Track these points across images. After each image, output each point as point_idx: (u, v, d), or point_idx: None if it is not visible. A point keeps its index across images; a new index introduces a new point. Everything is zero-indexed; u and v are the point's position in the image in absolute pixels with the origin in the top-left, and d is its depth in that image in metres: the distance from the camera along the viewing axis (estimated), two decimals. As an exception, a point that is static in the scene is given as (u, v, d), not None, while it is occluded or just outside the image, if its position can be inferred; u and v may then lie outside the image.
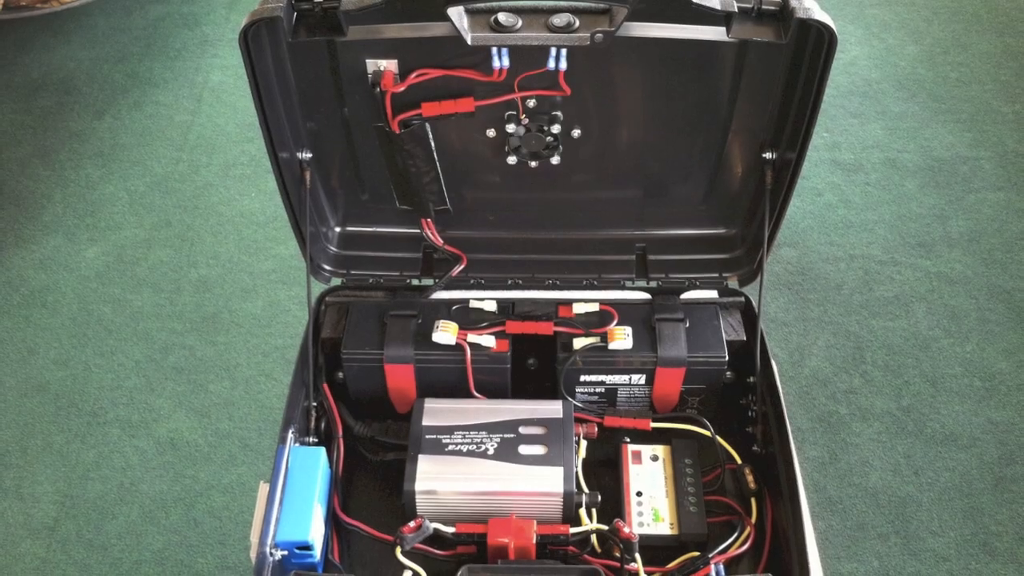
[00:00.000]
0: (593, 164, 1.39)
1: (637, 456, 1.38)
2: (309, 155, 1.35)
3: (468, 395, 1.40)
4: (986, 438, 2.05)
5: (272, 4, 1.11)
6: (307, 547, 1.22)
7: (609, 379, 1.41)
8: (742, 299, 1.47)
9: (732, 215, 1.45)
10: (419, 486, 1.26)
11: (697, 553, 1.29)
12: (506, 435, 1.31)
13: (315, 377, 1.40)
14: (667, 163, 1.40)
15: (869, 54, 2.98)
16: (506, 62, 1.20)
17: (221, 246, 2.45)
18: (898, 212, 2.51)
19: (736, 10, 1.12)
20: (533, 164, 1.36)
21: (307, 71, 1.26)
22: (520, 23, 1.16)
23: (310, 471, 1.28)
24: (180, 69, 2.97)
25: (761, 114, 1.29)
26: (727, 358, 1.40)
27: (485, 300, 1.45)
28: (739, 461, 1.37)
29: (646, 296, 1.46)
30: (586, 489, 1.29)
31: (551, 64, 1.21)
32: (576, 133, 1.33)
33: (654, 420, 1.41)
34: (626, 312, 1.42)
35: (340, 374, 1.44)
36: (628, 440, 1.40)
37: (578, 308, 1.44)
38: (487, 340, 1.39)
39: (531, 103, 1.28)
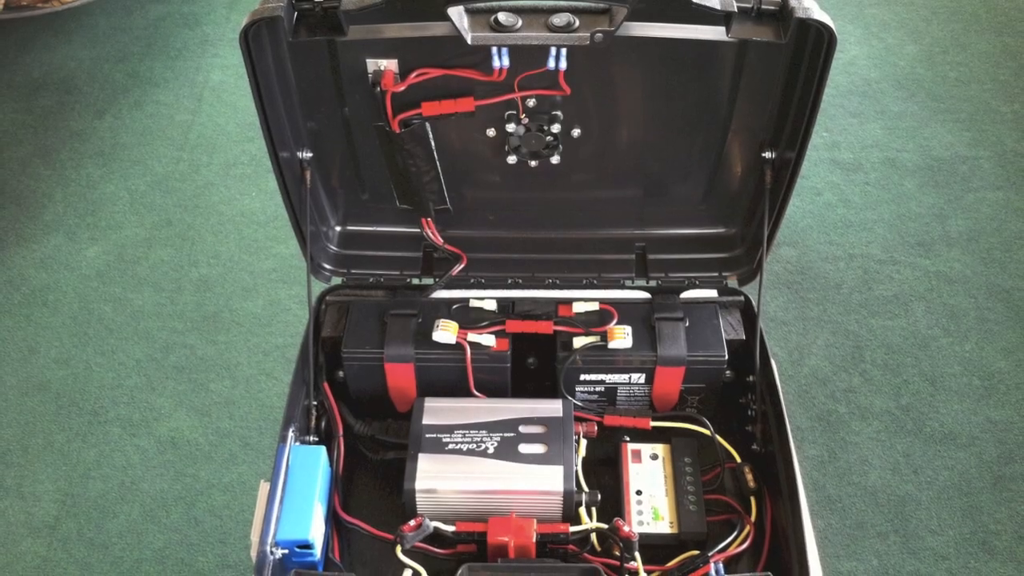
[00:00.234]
0: (593, 163, 1.39)
1: (637, 455, 1.38)
2: (309, 154, 1.35)
3: (468, 394, 1.40)
4: (985, 437, 2.05)
5: (272, 4, 1.11)
6: (307, 546, 1.22)
7: (609, 378, 1.41)
8: (741, 298, 1.47)
9: (732, 214, 1.45)
10: (419, 485, 1.26)
11: (697, 552, 1.29)
12: (506, 434, 1.31)
13: (315, 376, 1.40)
14: (667, 162, 1.40)
15: (868, 54, 2.98)
16: (506, 62, 1.21)
17: (222, 245, 2.45)
18: (897, 211, 2.51)
19: (736, 10, 1.12)
20: (533, 164, 1.36)
21: (307, 71, 1.26)
22: (520, 23, 1.17)
23: (310, 470, 1.28)
24: (181, 69, 2.97)
25: (761, 113, 1.30)
26: (727, 357, 1.40)
27: (485, 299, 1.45)
28: (738, 460, 1.38)
29: (646, 295, 1.46)
30: (586, 488, 1.29)
31: (551, 64, 1.21)
32: (576, 133, 1.33)
33: (654, 419, 1.41)
34: (626, 311, 1.43)
35: (340, 373, 1.44)
36: (628, 439, 1.41)
37: (578, 307, 1.44)
38: (487, 339, 1.40)
39: (531, 103, 1.28)
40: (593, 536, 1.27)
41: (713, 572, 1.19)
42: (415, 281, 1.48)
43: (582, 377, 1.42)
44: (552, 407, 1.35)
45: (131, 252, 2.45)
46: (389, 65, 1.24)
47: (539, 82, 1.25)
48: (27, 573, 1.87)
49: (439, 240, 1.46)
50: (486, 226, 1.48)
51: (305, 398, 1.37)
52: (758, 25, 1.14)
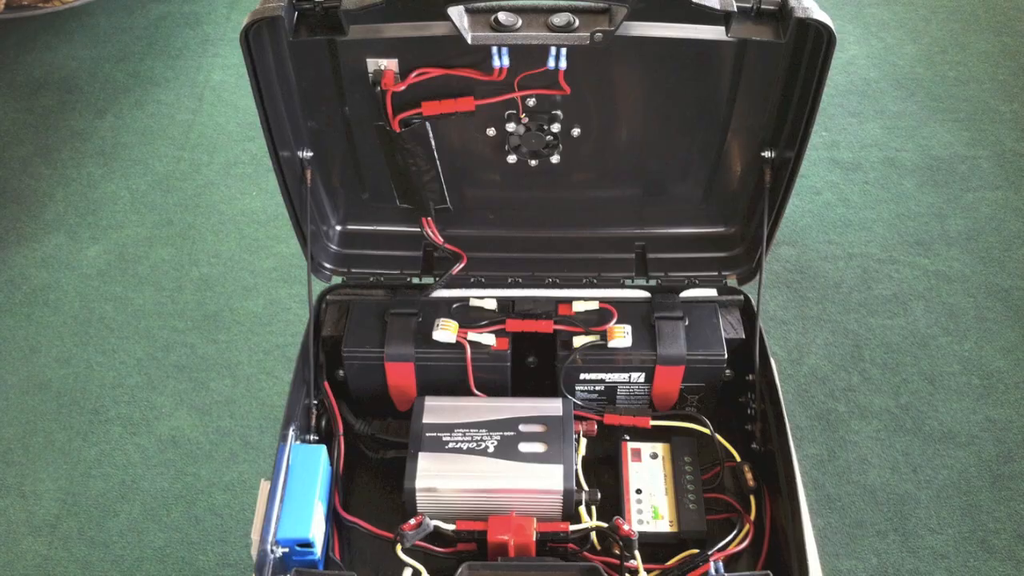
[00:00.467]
0: (593, 163, 1.39)
1: (636, 454, 1.39)
2: (310, 154, 1.36)
3: (468, 393, 1.41)
4: (984, 436, 2.05)
5: (273, 3, 1.11)
6: (308, 544, 1.22)
7: (609, 377, 1.42)
8: (741, 297, 1.48)
9: (731, 214, 1.45)
10: (419, 484, 1.27)
11: (696, 550, 1.30)
12: (506, 433, 1.31)
13: (316, 375, 1.41)
14: (666, 162, 1.40)
15: (868, 53, 2.99)
16: (506, 61, 1.21)
17: (222, 244, 2.46)
18: (896, 211, 2.51)
19: (735, 9, 1.12)
20: (533, 163, 1.37)
21: (308, 70, 1.26)
22: (520, 22, 1.17)
23: (311, 469, 1.28)
24: (181, 68, 2.97)
25: (760, 113, 1.30)
26: (726, 356, 1.40)
27: (485, 298, 1.45)
28: (738, 459, 1.38)
29: (645, 294, 1.47)
30: (586, 487, 1.29)
31: (551, 63, 1.22)
32: (576, 132, 1.33)
33: (653, 418, 1.41)
34: (625, 310, 1.43)
35: (341, 372, 1.44)
36: (628, 438, 1.41)
37: (578, 306, 1.44)
38: (487, 338, 1.40)
39: (531, 102, 1.29)
40: (593, 535, 1.27)
41: (713, 571, 1.19)
42: (415, 280, 1.48)
43: (582, 376, 1.42)
44: (552, 406, 1.35)
45: (132, 251, 2.45)
46: (389, 65, 1.24)
47: (539, 81, 1.26)
48: (28, 572, 1.88)
49: (439, 239, 1.46)
50: (486, 225, 1.48)
51: (305, 397, 1.37)
52: (757, 25, 1.14)
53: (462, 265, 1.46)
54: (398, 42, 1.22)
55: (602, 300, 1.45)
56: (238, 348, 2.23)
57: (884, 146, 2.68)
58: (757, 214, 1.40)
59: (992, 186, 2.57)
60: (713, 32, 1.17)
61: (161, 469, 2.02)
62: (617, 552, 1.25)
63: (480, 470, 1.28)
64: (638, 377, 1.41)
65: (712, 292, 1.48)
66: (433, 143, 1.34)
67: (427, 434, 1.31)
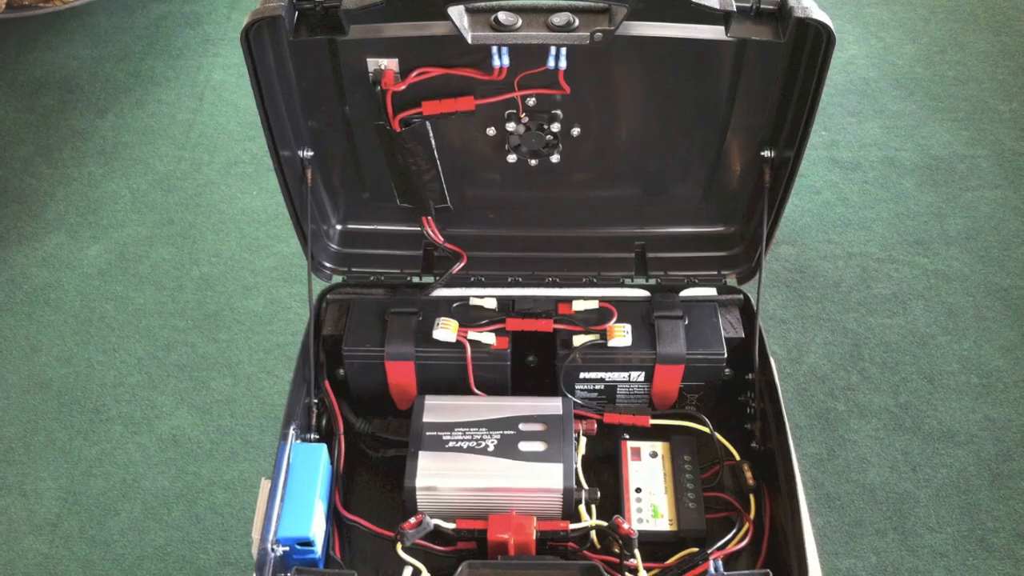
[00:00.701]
0: (592, 162, 1.39)
1: (636, 453, 1.39)
2: (310, 153, 1.36)
3: (468, 392, 1.41)
4: (983, 435, 2.05)
5: (274, 3, 1.11)
6: (308, 543, 1.23)
7: (608, 376, 1.42)
8: (741, 296, 1.48)
9: (731, 213, 1.45)
10: (420, 482, 1.27)
11: (696, 549, 1.30)
12: (506, 432, 1.32)
13: (316, 374, 1.41)
14: (666, 161, 1.41)
15: (867, 53, 2.99)
16: (506, 61, 1.21)
17: (223, 244, 2.46)
18: (896, 210, 2.51)
19: (735, 9, 1.12)
20: (533, 162, 1.37)
21: (308, 70, 1.26)
22: (520, 22, 1.17)
23: (311, 467, 1.28)
24: (182, 68, 2.97)
25: (760, 112, 1.30)
26: (726, 355, 1.40)
27: (485, 298, 1.46)
28: (738, 458, 1.38)
29: (645, 294, 1.47)
30: (585, 485, 1.30)
31: (551, 63, 1.22)
32: (576, 131, 1.33)
33: (653, 417, 1.42)
34: (625, 309, 1.43)
35: (341, 371, 1.44)
36: (627, 437, 1.41)
37: (578, 305, 1.44)
38: (487, 337, 1.40)
39: (531, 102, 1.29)
40: (593, 533, 1.27)
41: (712, 569, 1.19)
42: (415, 279, 1.49)
43: (582, 375, 1.42)
44: (552, 405, 1.35)
45: (132, 251, 2.45)
46: (390, 64, 1.25)
47: (539, 81, 1.26)
48: (29, 570, 1.88)
49: (439, 238, 1.46)
50: (486, 225, 1.48)
51: (306, 396, 1.38)
52: (757, 24, 1.14)
53: (462, 264, 1.46)
54: (398, 42, 1.22)
55: (602, 299, 1.45)
56: (239, 347, 2.23)
57: (883, 145, 2.68)
58: (756, 213, 1.40)
59: (991, 185, 2.57)
60: (713, 32, 1.17)
61: (162, 468, 2.02)
62: (617, 551, 1.25)
63: (480, 469, 1.28)
64: (638, 376, 1.41)
65: (712, 291, 1.48)
66: (433, 142, 1.35)
67: (427, 433, 1.32)
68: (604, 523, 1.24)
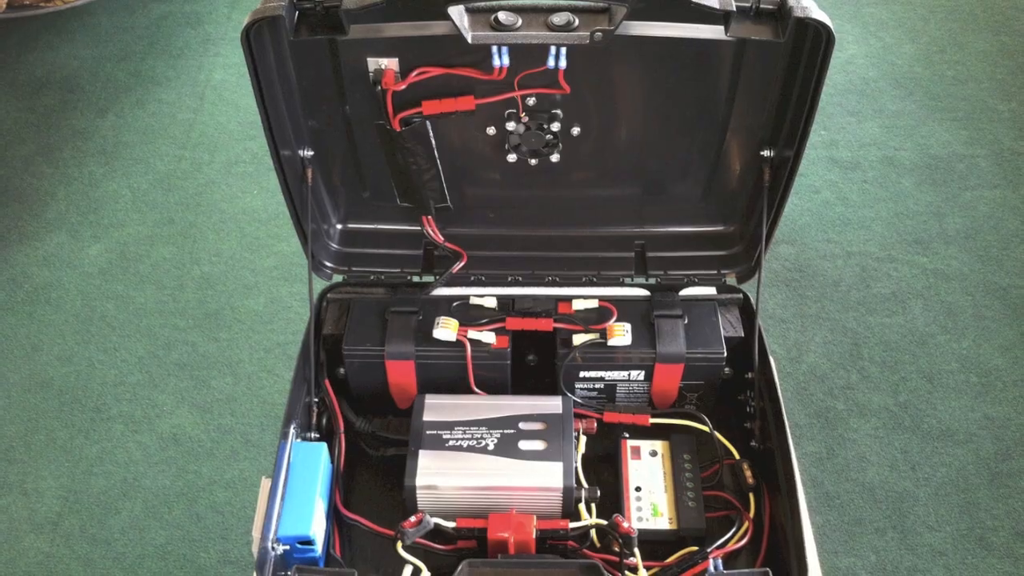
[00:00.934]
0: (592, 162, 1.39)
1: (636, 451, 1.39)
2: (311, 153, 1.36)
3: (468, 391, 1.41)
4: (982, 434, 2.06)
5: (274, 3, 1.12)
6: (309, 542, 1.23)
7: (608, 375, 1.42)
8: (740, 296, 1.48)
9: (730, 212, 1.46)
10: (420, 481, 1.27)
11: (696, 548, 1.30)
12: (506, 431, 1.32)
13: (317, 373, 1.41)
14: (666, 161, 1.41)
15: (866, 53, 2.99)
16: (506, 60, 1.21)
17: (223, 243, 2.46)
18: (895, 209, 2.52)
19: (734, 9, 1.12)
20: (533, 162, 1.37)
21: (309, 69, 1.26)
22: (520, 22, 1.17)
23: (311, 466, 1.28)
24: (183, 67, 2.98)
25: (759, 112, 1.30)
26: (725, 354, 1.41)
27: (485, 297, 1.46)
28: (737, 456, 1.38)
29: (645, 293, 1.47)
30: (585, 484, 1.30)
31: (551, 62, 1.22)
32: (575, 131, 1.34)
33: (653, 416, 1.42)
34: (625, 309, 1.43)
35: (341, 370, 1.45)
36: (627, 436, 1.41)
37: (578, 305, 1.44)
38: (487, 336, 1.40)
39: (531, 101, 1.29)
40: (593, 532, 1.28)
41: (712, 568, 1.20)
42: (416, 279, 1.49)
43: (582, 374, 1.42)
44: (552, 404, 1.35)
45: (133, 250, 2.45)
46: (390, 64, 1.25)
47: (539, 81, 1.26)
48: (30, 569, 1.88)
49: (439, 238, 1.46)
50: (486, 224, 1.48)
51: (306, 395, 1.38)
52: (757, 24, 1.14)
53: (462, 263, 1.46)
54: (398, 41, 1.22)
55: (602, 298, 1.45)
56: (239, 346, 2.24)
57: (883, 145, 2.69)
58: (756, 213, 1.40)
59: (990, 185, 2.57)
60: (712, 32, 1.17)
61: (162, 467, 2.03)
62: (617, 549, 1.25)
63: (480, 468, 1.28)
64: (637, 375, 1.42)
65: (711, 290, 1.48)
66: (433, 142, 1.35)
67: (427, 432, 1.32)
68: (604, 522, 1.25)
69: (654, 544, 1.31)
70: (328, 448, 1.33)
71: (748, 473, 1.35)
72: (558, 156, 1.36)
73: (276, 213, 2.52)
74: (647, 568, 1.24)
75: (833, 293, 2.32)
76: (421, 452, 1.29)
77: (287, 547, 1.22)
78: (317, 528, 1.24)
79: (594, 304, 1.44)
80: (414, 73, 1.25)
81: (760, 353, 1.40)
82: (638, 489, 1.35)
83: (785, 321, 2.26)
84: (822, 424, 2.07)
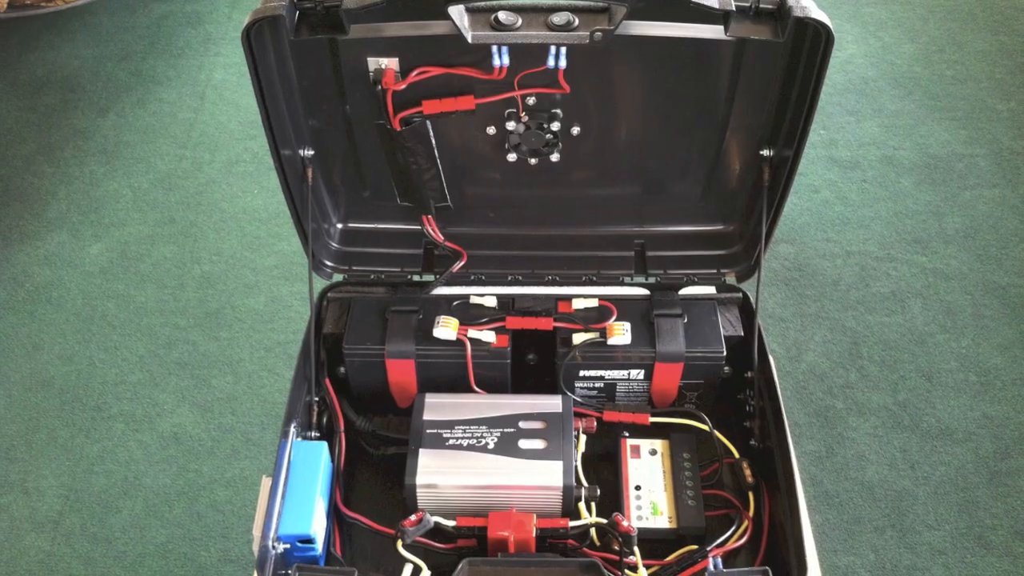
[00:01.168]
0: (592, 161, 1.40)
1: (636, 450, 1.39)
2: (311, 152, 1.36)
3: (468, 390, 1.41)
4: (981, 432, 2.06)
5: (274, 3, 1.12)
6: (309, 540, 1.23)
7: (608, 374, 1.42)
8: (740, 295, 1.48)
9: (730, 212, 1.46)
10: (420, 480, 1.27)
11: (695, 546, 1.30)
12: (506, 429, 1.32)
13: (317, 372, 1.41)
14: (666, 160, 1.41)
15: (866, 52, 2.99)
16: (506, 60, 1.21)
17: (224, 242, 2.46)
18: (894, 209, 2.52)
19: (734, 9, 1.13)
20: (533, 161, 1.37)
21: (309, 69, 1.27)
22: (520, 21, 1.17)
23: (312, 465, 1.29)
24: (183, 67, 2.98)
25: (759, 112, 1.30)
26: (725, 353, 1.41)
27: (485, 296, 1.46)
28: (737, 455, 1.39)
29: (645, 292, 1.47)
30: (585, 483, 1.30)
31: (551, 62, 1.22)
32: (575, 130, 1.34)
33: (653, 415, 1.42)
34: (625, 308, 1.43)
35: (342, 369, 1.45)
36: (627, 434, 1.42)
37: (577, 304, 1.44)
38: (487, 335, 1.40)
39: (531, 101, 1.29)
40: (592, 531, 1.28)
41: (711, 566, 1.20)
42: (416, 278, 1.49)
43: (581, 373, 1.42)
44: (552, 403, 1.36)
45: (134, 249, 2.46)
46: (390, 63, 1.25)
47: (539, 80, 1.26)
48: (31, 568, 1.89)
49: (440, 237, 1.47)
50: (486, 223, 1.48)
51: (307, 394, 1.38)
52: (756, 24, 1.14)
53: (462, 263, 1.46)
54: (399, 41, 1.22)
55: (602, 297, 1.45)
56: (240, 345, 2.24)
57: (882, 144, 2.69)
58: (756, 212, 1.40)
59: (989, 184, 2.58)
60: (712, 31, 1.17)
61: (163, 466, 2.03)
62: (616, 548, 1.25)
63: (480, 466, 1.29)
64: (637, 374, 1.42)
65: (711, 290, 1.48)
66: (433, 141, 1.35)
67: (427, 431, 1.32)
68: (604, 520, 1.25)
69: (654, 543, 1.31)
70: (328, 447, 1.34)
71: (747, 472, 1.36)
72: (558, 155, 1.36)
73: (276, 212, 2.52)
74: (647, 567, 1.24)
75: (832, 292, 2.32)
76: (421, 451, 1.30)
77: (288, 546, 1.22)
78: (317, 527, 1.24)
79: (594, 303, 1.45)
80: (414, 73, 1.25)
81: (759, 352, 1.40)
82: (638, 488, 1.35)
83: (784, 320, 2.26)
84: (821, 423, 2.07)
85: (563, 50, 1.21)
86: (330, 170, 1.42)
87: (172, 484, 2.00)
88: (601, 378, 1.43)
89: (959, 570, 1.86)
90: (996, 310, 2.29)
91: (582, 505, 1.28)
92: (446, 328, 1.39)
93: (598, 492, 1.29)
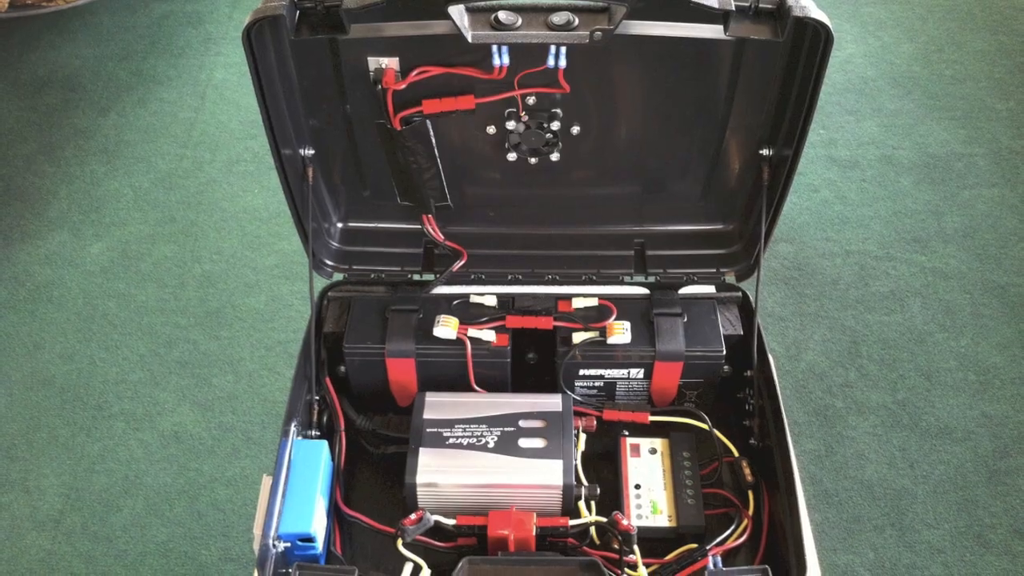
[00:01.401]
0: (592, 160, 1.40)
1: (635, 449, 1.40)
2: (311, 151, 1.36)
3: (468, 389, 1.41)
4: (980, 431, 2.06)
5: (275, 2, 1.12)
6: (309, 539, 1.23)
7: (608, 373, 1.43)
8: (739, 294, 1.48)
9: (729, 211, 1.46)
10: (420, 479, 1.28)
11: (695, 545, 1.30)
12: (506, 428, 1.32)
13: (317, 371, 1.41)
14: (665, 159, 1.41)
15: (865, 52, 2.99)
16: (506, 60, 1.22)
17: (224, 242, 2.47)
18: (893, 208, 2.52)
19: (733, 8, 1.13)
20: (533, 161, 1.37)
21: (309, 69, 1.27)
22: (520, 21, 1.18)
23: (312, 464, 1.29)
24: (184, 67, 2.98)
25: (758, 111, 1.30)
26: (724, 352, 1.41)
27: (485, 295, 1.46)
28: (736, 454, 1.39)
29: (644, 291, 1.47)
30: (585, 482, 1.30)
31: (551, 62, 1.22)
32: (575, 130, 1.34)
33: (652, 414, 1.42)
34: (625, 307, 1.44)
35: (342, 368, 1.45)
36: (627, 433, 1.42)
37: (577, 303, 1.45)
38: (487, 335, 1.41)
39: (531, 100, 1.29)
40: (592, 530, 1.28)
41: (711, 565, 1.20)
42: (416, 277, 1.49)
43: (581, 372, 1.43)
44: (552, 402, 1.36)
45: (135, 248, 2.46)
46: (390, 63, 1.25)
47: (539, 80, 1.26)
48: (32, 566, 1.89)
49: (440, 236, 1.47)
50: (486, 223, 1.49)
51: (307, 393, 1.38)
52: (755, 24, 1.14)
53: (462, 262, 1.46)
54: (399, 41, 1.23)
55: (601, 297, 1.45)
56: (240, 344, 2.24)
57: (881, 144, 2.69)
58: (755, 211, 1.40)
59: (988, 183, 2.58)
60: (712, 31, 1.17)
61: (164, 464, 2.03)
62: (616, 547, 1.26)
63: (480, 465, 1.29)
64: (637, 373, 1.42)
65: (711, 289, 1.48)
66: (434, 141, 1.35)
67: (428, 430, 1.32)
68: (603, 519, 1.25)
69: (653, 541, 1.31)
70: (329, 446, 1.34)
71: (747, 471, 1.36)
72: (558, 155, 1.37)
73: (277, 212, 2.52)
74: (646, 565, 1.24)
75: (832, 291, 2.33)
76: (421, 450, 1.30)
77: (288, 544, 1.22)
78: (318, 525, 1.24)
79: (594, 302, 1.45)
80: (414, 72, 1.25)
81: (759, 351, 1.40)
82: (637, 487, 1.36)
83: (784, 319, 2.27)
84: (821, 422, 2.08)
85: (563, 50, 1.21)
86: (330, 169, 1.42)
87: (173, 483, 2.00)
88: (601, 377, 1.43)
89: (958, 569, 1.86)
90: (995, 309, 2.29)
91: (582, 504, 1.28)
92: (446, 327, 1.39)
93: (598, 491, 1.29)
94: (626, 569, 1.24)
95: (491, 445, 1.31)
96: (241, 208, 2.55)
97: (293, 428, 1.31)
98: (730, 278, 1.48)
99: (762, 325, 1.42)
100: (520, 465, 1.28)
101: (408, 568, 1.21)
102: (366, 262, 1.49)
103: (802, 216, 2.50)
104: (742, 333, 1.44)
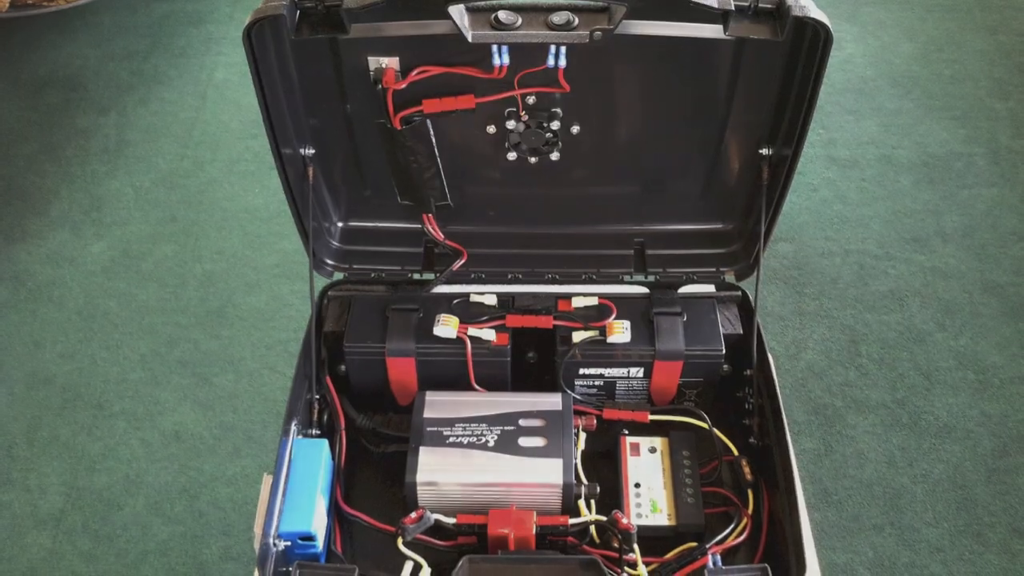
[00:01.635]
0: (592, 160, 1.40)
1: (635, 448, 1.40)
2: (312, 151, 1.37)
3: (469, 388, 1.41)
4: (980, 430, 2.06)
5: (275, 2, 1.12)
6: (310, 538, 1.23)
7: (608, 372, 1.43)
8: (739, 293, 1.48)
9: (729, 210, 1.46)
10: (420, 477, 1.28)
11: (694, 544, 1.30)
12: (506, 427, 1.32)
13: (318, 370, 1.42)
14: (665, 159, 1.41)
15: (864, 52, 2.99)
16: (506, 59, 1.22)
17: (225, 241, 2.47)
18: (893, 207, 2.52)
19: (733, 8, 1.13)
20: (533, 160, 1.38)
21: (310, 68, 1.27)
22: (520, 21, 1.18)
23: (313, 463, 1.29)
24: (185, 66, 2.98)
25: (758, 111, 1.31)
26: (724, 351, 1.41)
27: (485, 294, 1.46)
28: (736, 453, 1.39)
29: (644, 290, 1.47)
30: (585, 480, 1.30)
31: (551, 61, 1.23)
32: (575, 129, 1.34)
33: (652, 412, 1.42)
34: (624, 306, 1.44)
35: (342, 367, 1.45)
36: (626, 432, 1.42)
37: (577, 302, 1.45)
38: (487, 334, 1.41)
39: (531, 100, 1.30)
40: (592, 528, 1.28)
41: (711, 564, 1.20)
42: (416, 276, 1.50)
43: (581, 371, 1.43)
44: (551, 401, 1.36)
45: (136, 248, 2.46)
46: (390, 63, 1.25)
47: (539, 79, 1.27)
48: (33, 565, 1.89)
49: (440, 236, 1.47)
50: (486, 222, 1.49)
51: (307, 392, 1.39)
52: (755, 23, 1.15)
53: (462, 261, 1.47)
54: (399, 40, 1.23)
55: (601, 296, 1.45)
56: (241, 344, 2.24)
57: (881, 143, 2.69)
58: (755, 211, 1.41)
59: (987, 183, 2.58)
60: (711, 31, 1.17)
61: (165, 463, 2.03)
62: (616, 545, 1.26)
63: (480, 464, 1.29)
64: (637, 372, 1.42)
65: (710, 288, 1.49)
66: (434, 140, 1.35)
67: (428, 428, 1.32)
68: (603, 518, 1.25)
69: (653, 540, 1.31)
70: (329, 445, 1.34)
71: (747, 469, 1.36)
72: (558, 154, 1.37)
73: (277, 211, 2.52)
74: (646, 564, 1.25)
75: (831, 290, 2.33)
76: (422, 449, 1.30)
77: (288, 543, 1.23)
78: (318, 524, 1.24)
79: (594, 301, 1.45)
80: (414, 72, 1.26)
81: (759, 350, 1.40)
82: (637, 485, 1.36)
83: (783, 318, 2.27)
84: (820, 421, 2.08)
85: (563, 49, 1.21)
86: (331, 169, 1.42)
87: (173, 482, 2.00)
88: (601, 376, 1.43)
89: (957, 567, 1.86)
90: (994, 308, 2.29)
91: (582, 503, 1.28)
92: (446, 326, 1.40)
93: (598, 490, 1.29)
94: (626, 568, 1.24)
95: (491, 444, 1.31)
96: (242, 207, 2.55)
97: (293, 427, 1.31)
98: (730, 277, 1.48)
99: (761, 324, 1.42)
100: (520, 464, 1.29)
101: (408, 567, 1.22)
102: (366, 261, 1.49)
103: (802, 215, 2.50)
104: (741, 332, 1.45)
